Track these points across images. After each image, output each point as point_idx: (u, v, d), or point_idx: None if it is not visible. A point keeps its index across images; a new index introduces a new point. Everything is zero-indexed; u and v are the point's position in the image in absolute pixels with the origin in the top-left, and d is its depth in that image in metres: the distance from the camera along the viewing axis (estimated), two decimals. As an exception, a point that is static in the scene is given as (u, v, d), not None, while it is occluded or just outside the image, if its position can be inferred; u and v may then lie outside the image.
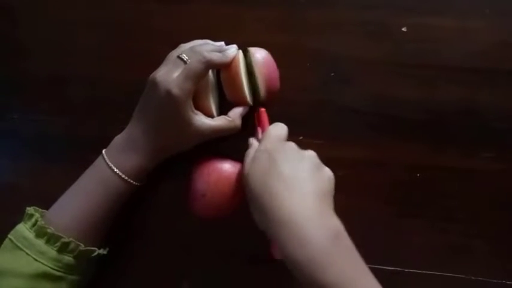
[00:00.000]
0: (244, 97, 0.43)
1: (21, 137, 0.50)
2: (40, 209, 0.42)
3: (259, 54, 0.43)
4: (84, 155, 0.44)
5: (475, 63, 0.45)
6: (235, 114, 0.44)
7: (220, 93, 0.45)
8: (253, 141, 0.42)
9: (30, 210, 0.41)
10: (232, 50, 0.42)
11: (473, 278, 0.44)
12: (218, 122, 0.43)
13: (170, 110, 0.40)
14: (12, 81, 0.51)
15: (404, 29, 0.45)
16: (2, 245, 0.40)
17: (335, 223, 0.35)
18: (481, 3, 0.45)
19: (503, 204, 0.44)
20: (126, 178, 0.41)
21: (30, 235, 0.39)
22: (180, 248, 0.47)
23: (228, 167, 0.42)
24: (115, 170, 0.41)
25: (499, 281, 0.43)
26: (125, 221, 0.47)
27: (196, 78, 0.40)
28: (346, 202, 0.45)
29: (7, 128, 0.51)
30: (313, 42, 0.46)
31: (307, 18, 0.46)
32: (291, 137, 0.45)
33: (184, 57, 0.40)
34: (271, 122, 0.41)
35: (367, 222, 0.45)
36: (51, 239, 0.39)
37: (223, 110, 0.45)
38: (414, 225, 0.45)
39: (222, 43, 0.44)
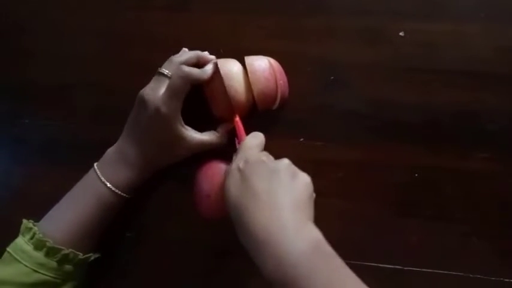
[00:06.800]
0: (227, 112, 0.44)
1: (31, 143, 0.52)
2: (33, 221, 0.42)
3: (261, 62, 0.44)
4: (91, 160, 0.45)
5: (470, 67, 0.45)
6: (223, 130, 0.45)
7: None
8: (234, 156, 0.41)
9: (27, 223, 0.42)
10: (210, 67, 0.44)
11: (471, 275, 0.44)
12: (207, 136, 0.44)
13: (160, 127, 0.42)
14: (23, 88, 0.52)
15: (401, 34, 0.46)
16: (2, 258, 0.41)
17: (313, 233, 0.33)
18: (476, 8, 0.45)
19: (500, 203, 0.45)
20: (116, 191, 0.43)
21: (29, 248, 0.40)
22: (179, 248, 0.48)
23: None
24: (106, 183, 0.42)
25: (497, 279, 0.44)
26: (127, 224, 0.49)
27: (180, 94, 0.42)
28: (345, 203, 0.46)
29: (18, 134, 0.52)
30: (313, 48, 0.47)
31: (306, 25, 0.48)
32: (293, 139, 0.47)
33: (165, 71, 0.42)
34: (274, 126, 0.41)
35: (367, 223, 0.46)
36: (50, 251, 0.40)
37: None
38: (413, 224, 0.45)
39: (197, 52, 0.45)
